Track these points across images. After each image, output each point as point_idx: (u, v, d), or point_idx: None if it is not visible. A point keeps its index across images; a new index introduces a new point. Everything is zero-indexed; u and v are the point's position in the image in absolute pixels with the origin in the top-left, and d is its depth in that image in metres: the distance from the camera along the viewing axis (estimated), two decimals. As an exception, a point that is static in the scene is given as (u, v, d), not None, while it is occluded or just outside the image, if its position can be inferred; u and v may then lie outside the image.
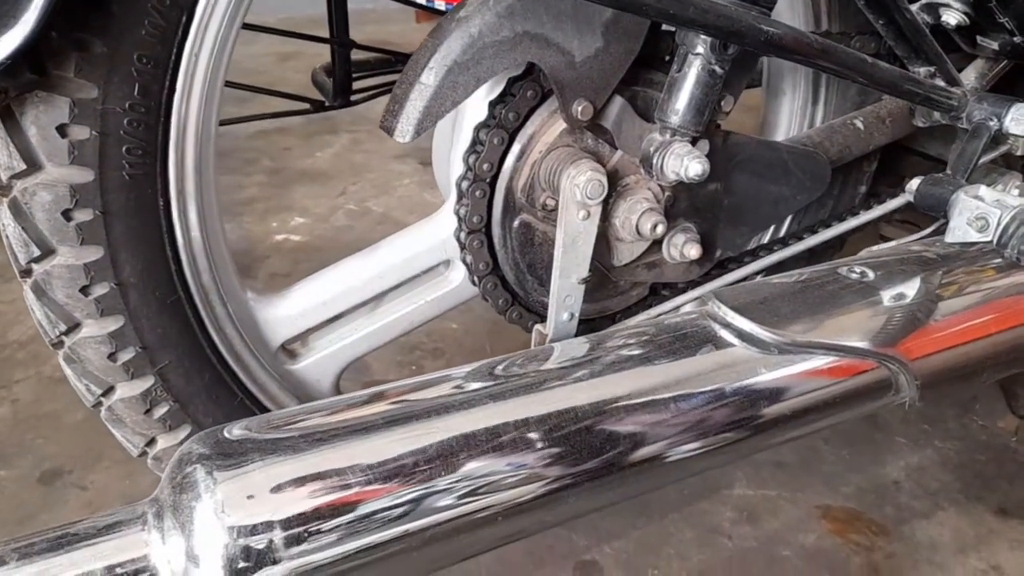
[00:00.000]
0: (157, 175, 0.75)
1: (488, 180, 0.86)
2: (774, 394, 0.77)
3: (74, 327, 0.76)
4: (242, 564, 0.55)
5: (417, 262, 0.96)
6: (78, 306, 0.75)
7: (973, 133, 1.03)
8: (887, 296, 0.86)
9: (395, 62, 1.81)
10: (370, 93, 1.79)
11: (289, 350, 0.96)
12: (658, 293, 1.05)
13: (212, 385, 0.85)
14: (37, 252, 0.72)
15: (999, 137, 1.04)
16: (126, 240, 0.75)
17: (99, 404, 0.82)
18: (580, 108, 0.82)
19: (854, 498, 1.37)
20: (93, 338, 0.76)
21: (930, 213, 1.01)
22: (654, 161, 0.84)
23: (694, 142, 0.85)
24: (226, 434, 0.62)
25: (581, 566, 1.22)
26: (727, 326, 0.79)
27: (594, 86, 0.82)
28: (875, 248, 1.05)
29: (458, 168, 0.90)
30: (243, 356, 0.89)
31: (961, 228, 0.93)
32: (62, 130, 0.68)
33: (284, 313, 0.93)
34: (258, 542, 0.55)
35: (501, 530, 0.66)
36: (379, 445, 0.62)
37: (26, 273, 0.74)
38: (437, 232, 0.96)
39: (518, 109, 0.84)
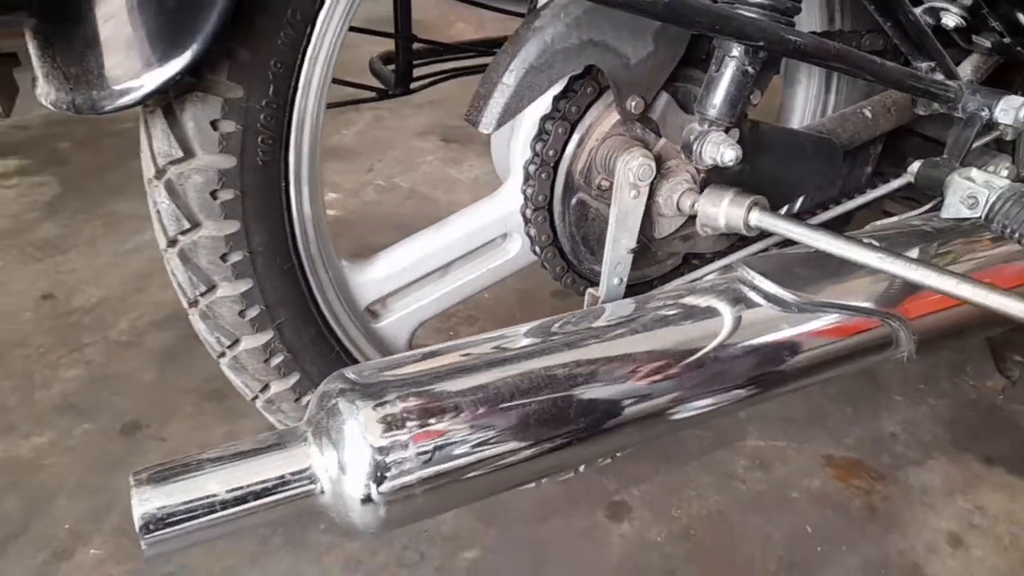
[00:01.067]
0: (281, 160, 0.87)
1: (552, 164, 0.97)
2: (795, 346, 0.90)
3: (211, 288, 0.88)
4: (381, 472, 0.68)
5: (480, 235, 1.07)
6: (217, 271, 0.87)
7: (967, 121, 1.12)
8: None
9: (442, 52, 1.96)
10: (427, 82, 1.94)
11: (372, 311, 1.08)
12: (688, 262, 1.17)
13: (317, 339, 0.98)
14: (187, 225, 0.84)
15: (990, 125, 1.13)
16: (257, 215, 0.87)
17: (223, 354, 0.94)
18: (633, 103, 0.93)
19: (855, 448, 1.48)
20: (227, 298, 0.88)
21: (928, 192, 1.11)
22: (694, 148, 0.94)
23: (727, 131, 0.95)
24: (354, 374, 0.75)
25: (612, 506, 1.34)
26: (755, 288, 0.91)
27: (645, 84, 0.93)
28: (879, 222, 1.18)
29: (521, 153, 1.02)
30: (340, 315, 1.01)
31: (955, 206, 1.02)
32: (214, 124, 0.80)
33: (371, 278, 1.04)
34: (394, 454, 0.69)
35: (576, 452, 0.80)
36: (480, 380, 0.75)
37: (172, 243, 0.86)
38: (497, 209, 1.07)
39: (579, 103, 0.95)
